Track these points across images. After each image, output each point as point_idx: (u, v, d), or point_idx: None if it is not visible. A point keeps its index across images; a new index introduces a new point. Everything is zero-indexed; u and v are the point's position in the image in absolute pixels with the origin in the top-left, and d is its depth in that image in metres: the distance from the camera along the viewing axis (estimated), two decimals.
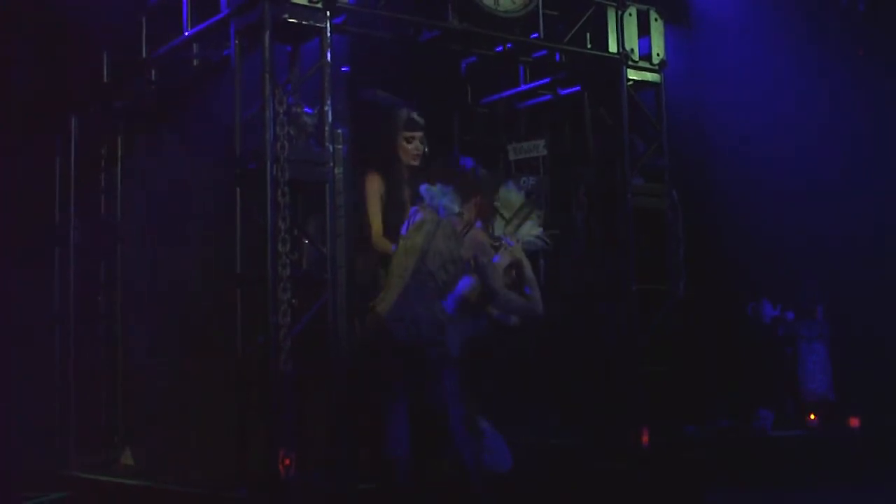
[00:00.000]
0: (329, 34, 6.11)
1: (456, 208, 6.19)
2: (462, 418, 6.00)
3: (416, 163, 6.75)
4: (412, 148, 6.75)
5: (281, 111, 5.88)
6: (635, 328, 7.35)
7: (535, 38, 7.30)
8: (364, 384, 6.10)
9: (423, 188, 6.28)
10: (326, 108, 6.05)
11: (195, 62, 6.92)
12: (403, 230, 6.25)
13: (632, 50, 7.53)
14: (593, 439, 7.36)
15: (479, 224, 6.37)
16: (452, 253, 6.06)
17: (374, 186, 6.67)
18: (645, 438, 7.23)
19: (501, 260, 6.40)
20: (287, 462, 5.67)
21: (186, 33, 6.64)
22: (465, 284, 6.37)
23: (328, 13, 6.11)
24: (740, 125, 9.77)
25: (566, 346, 7.61)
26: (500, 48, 7.58)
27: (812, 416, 9.10)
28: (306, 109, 6.12)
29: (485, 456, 6.29)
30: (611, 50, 7.51)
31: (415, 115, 6.75)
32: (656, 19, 7.69)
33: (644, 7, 7.64)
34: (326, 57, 6.08)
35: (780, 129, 9.98)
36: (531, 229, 6.55)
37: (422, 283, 5.99)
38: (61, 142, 7.71)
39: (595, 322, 7.61)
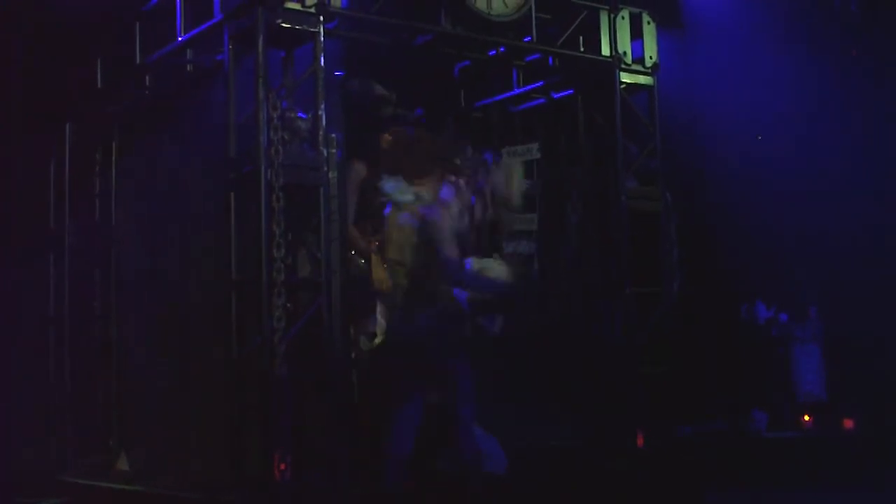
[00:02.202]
0: (322, 39, 6.13)
1: (408, 196, 6.04)
2: (472, 419, 5.96)
3: None
4: None
5: (275, 116, 5.90)
6: (631, 330, 7.38)
7: (527, 41, 7.31)
8: (371, 384, 6.09)
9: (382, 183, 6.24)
10: (320, 112, 6.06)
11: (189, 67, 6.93)
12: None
13: (624, 53, 7.56)
14: (592, 440, 7.38)
15: (446, 193, 6.16)
16: (408, 256, 6.01)
17: (353, 174, 6.62)
18: (640, 440, 7.25)
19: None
20: (283, 465, 5.68)
21: (180, 38, 6.65)
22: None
23: (321, 18, 6.13)
24: (734, 126, 9.79)
25: (564, 348, 7.63)
26: (494, 52, 7.61)
27: (806, 417, 9.11)
28: (300, 114, 6.14)
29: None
30: (604, 53, 7.54)
31: (401, 112, 6.70)
32: (649, 22, 7.71)
33: (636, 10, 7.66)
34: (320, 61, 6.10)
35: (774, 130, 10.01)
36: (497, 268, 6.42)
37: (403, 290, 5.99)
38: (56, 146, 7.73)
39: (591, 324, 7.63)
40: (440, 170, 6.15)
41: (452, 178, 6.19)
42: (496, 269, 6.32)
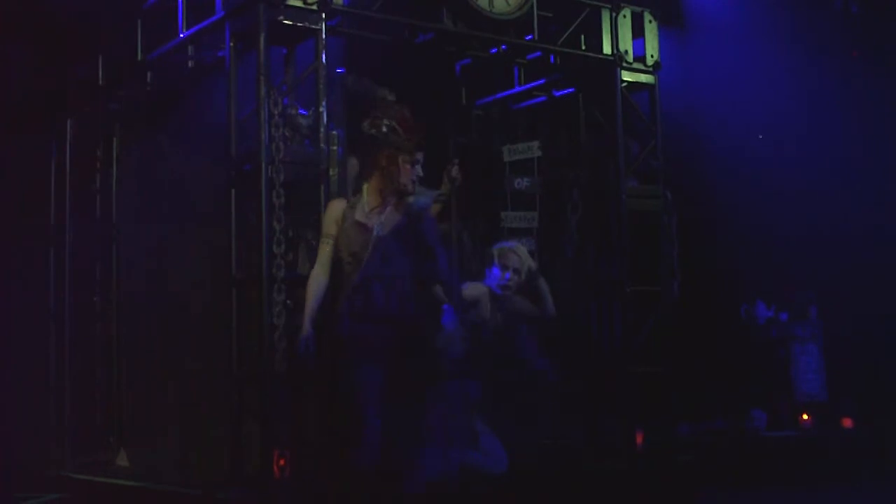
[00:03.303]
0: (324, 36, 6.13)
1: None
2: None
3: None
4: None
5: (276, 113, 5.90)
6: (630, 329, 7.38)
7: (529, 39, 7.31)
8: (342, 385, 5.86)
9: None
10: (321, 109, 6.06)
11: (190, 64, 6.93)
12: None
13: (626, 51, 7.56)
14: (592, 440, 7.38)
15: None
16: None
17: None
18: (639, 440, 7.25)
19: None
20: (282, 462, 5.67)
21: (182, 35, 6.66)
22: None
23: (323, 15, 6.13)
24: (735, 126, 9.81)
25: (564, 347, 7.62)
26: (495, 50, 7.60)
27: (805, 417, 9.13)
28: (301, 111, 6.15)
29: (480, 457, 6.30)
30: (605, 51, 7.53)
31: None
32: (650, 21, 7.70)
33: (638, 9, 7.65)
34: (321, 59, 6.10)
35: (774, 131, 10.02)
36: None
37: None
38: (57, 144, 7.74)
39: (590, 323, 7.63)
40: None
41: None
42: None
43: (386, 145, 5.56)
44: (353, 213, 5.55)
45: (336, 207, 5.64)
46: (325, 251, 5.58)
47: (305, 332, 5.46)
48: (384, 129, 5.57)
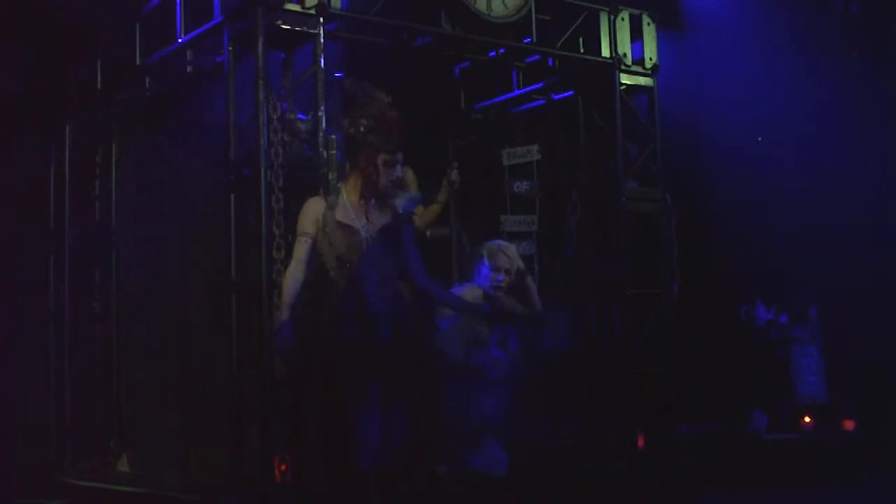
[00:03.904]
0: (322, 40, 6.14)
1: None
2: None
3: None
4: None
5: (274, 117, 5.91)
6: (630, 330, 7.38)
7: (527, 43, 7.33)
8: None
9: None
10: (320, 113, 6.07)
11: (189, 69, 6.94)
12: None
13: (624, 54, 7.56)
14: (592, 440, 7.39)
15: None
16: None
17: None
18: (640, 440, 7.26)
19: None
20: (283, 467, 5.68)
21: (180, 40, 6.67)
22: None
23: (321, 19, 6.15)
24: (734, 127, 9.80)
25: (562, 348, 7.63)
26: (494, 53, 7.61)
27: (806, 419, 9.11)
28: (300, 115, 6.15)
29: (480, 458, 6.31)
30: (603, 54, 7.54)
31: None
32: (649, 23, 7.71)
33: (636, 11, 7.66)
34: (320, 63, 6.11)
35: (774, 131, 10.01)
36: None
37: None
38: (56, 148, 7.74)
39: (589, 325, 7.64)
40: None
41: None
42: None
43: (364, 145, 5.37)
44: (334, 214, 5.39)
45: (315, 207, 5.45)
46: (302, 249, 5.38)
47: (284, 316, 5.31)
48: (362, 128, 5.39)
